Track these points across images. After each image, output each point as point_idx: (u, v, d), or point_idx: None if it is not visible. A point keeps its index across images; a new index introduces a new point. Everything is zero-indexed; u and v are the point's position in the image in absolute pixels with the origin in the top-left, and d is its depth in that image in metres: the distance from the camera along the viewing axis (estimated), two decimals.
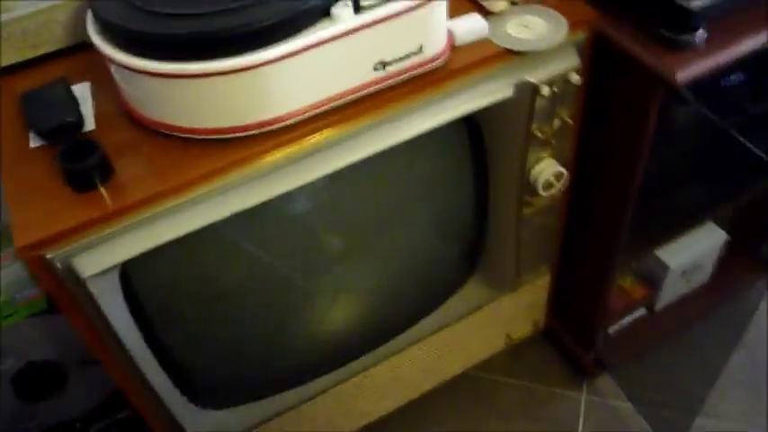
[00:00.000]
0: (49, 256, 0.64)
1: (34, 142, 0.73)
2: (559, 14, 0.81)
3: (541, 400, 1.30)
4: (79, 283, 0.66)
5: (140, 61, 0.64)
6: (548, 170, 0.91)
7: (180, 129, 0.69)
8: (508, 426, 1.27)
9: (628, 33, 0.83)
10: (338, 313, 1.00)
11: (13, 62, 0.82)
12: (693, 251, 1.25)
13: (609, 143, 0.93)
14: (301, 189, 0.74)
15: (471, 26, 0.78)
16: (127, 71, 0.66)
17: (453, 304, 1.09)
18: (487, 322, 1.16)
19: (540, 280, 1.15)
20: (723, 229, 1.27)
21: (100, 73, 0.74)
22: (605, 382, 1.32)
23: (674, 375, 1.31)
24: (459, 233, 0.99)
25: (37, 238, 0.64)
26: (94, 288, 0.67)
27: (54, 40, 0.83)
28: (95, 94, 0.77)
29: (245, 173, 0.69)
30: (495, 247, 1.02)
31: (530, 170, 0.91)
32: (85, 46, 0.77)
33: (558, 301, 1.25)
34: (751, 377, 1.30)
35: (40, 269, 0.66)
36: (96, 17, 0.67)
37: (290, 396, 1.01)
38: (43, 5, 0.79)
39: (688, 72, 0.78)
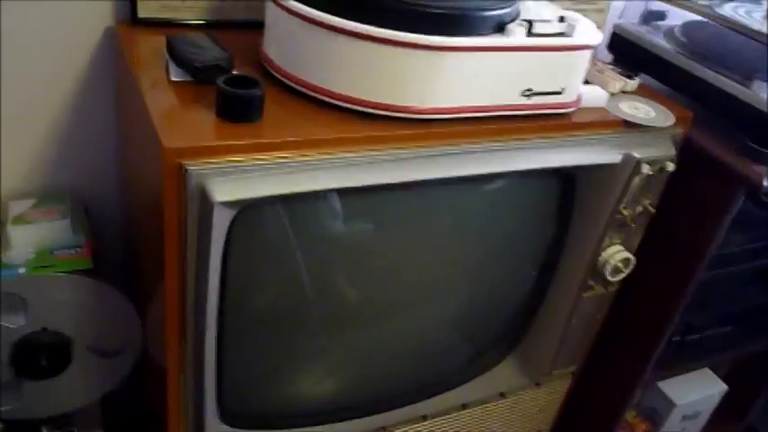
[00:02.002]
0: (189, 168, 0.61)
1: (176, 77, 0.72)
2: (664, 107, 0.89)
3: None
4: (206, 206, 0.62)
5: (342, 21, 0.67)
6: (618, 255, 0.94)
7: (338, 96, 0.70)
8: None
9: (712, 138, 0.92)
10: (379, 357, 0.95)
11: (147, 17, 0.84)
12: (695, 395, 1.27)
13: (675, 239, 0.97)
14: (412, 201, 0.76)
15: (595, 92, 0.85)
16: (311, 27, 0.68)
17: (479, 385, 1.05)
18: (501, 417, 1.12)
19: (562, 382, 1.13)
20: None
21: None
22: None
23: None
24: (515, 301, 0.99)
25: (185, 144, 0.62)
26: (217, 217, 0.63)
27: (192, 8, 0.86)
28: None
29: (389, 150, 0.70)
30: (542, 328, 1.01)
31: (600, 252, 0.94)
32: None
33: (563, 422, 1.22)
34: None
35: (171, 180, 0.62)
36: None
37: None
38: None
39: None
